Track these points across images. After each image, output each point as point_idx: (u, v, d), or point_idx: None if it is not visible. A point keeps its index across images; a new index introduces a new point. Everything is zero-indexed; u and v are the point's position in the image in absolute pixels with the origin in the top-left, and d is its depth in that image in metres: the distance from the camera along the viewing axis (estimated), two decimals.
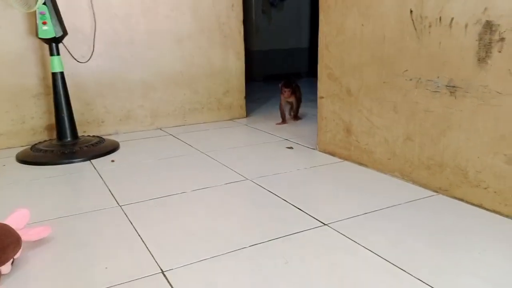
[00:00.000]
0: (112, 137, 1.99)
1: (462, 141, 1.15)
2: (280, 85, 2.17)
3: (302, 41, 4.00)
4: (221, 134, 2.05)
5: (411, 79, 1.26)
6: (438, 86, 1.19)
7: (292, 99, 2.23)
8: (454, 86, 1.15)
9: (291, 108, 2.30)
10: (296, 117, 2.30)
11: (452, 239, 0.97)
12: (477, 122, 1.11)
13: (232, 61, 2.32)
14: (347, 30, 1.46)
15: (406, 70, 1.27)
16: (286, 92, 2.16)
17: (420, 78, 1.24)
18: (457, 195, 1.19)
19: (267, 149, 1.77)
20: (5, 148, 1.86)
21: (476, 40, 1.08)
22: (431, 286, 0.79)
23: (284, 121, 2.24)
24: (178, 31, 2.13)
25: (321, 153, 1.68)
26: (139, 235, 1.03)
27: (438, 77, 1.19)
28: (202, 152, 1.73)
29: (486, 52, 1.06)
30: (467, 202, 1.17)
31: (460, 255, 0.90)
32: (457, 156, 1.17)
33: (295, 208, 1.17)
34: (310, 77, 4.14)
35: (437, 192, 1.24)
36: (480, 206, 1.14)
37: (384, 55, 1.34)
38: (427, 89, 1.22)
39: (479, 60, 1.08)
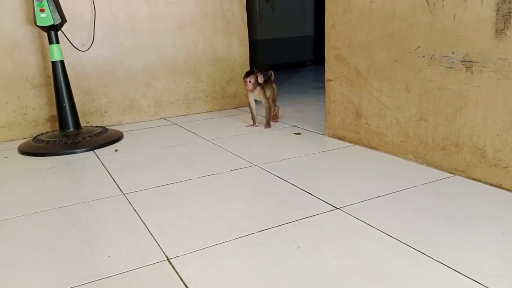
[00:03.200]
0: (116, 128, 1.95)
1: (480, 118, 1.09)
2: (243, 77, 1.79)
3: (307, 29, 3.93)
4: (226, 122, 2.00)
5: (423, 56, 1.21)
6: (453, 62, 1.14)
7: (259, 95, 1.78)
8: (470, 61, 1.09)
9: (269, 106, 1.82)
10: (268, 124, 1.82)
11: (471, 221, 0.92)
12: (495, 98, 1.05)
13: (235, 48, 2.27)
14: (355, 8, 1.40)
15: (419, 47, 1.21)
16: (247, 83, 1.75)
17: (433, 55, 1.18)
18: (474, 176, 1.14)
19: (273, 135, 1.72)
20: (8, 141, 1.83)
21: (494, 11, 1.02)
22: (455, 270, 0.74)
23: (254, 122, 1.85)
24: (180, 17, 2.08)
25: (330, 138, 1.63)
26: (143, 222, 0.99)
27: (453, 52, 1.13)
28: (207, 140, 1.69)
29: (505, 23, 1.00)
30: (485, 182, 1.11)
31: (482, 237, 0.85)
32: (474, 135, 1.12)
33: (305, 192, 1.12)
34: (316, 65, 4.08)
35: (453, 173, 1.19)
36: (499, 186, 1.08)
37: (395, 32, 1.28)
38: (441, 66, 1.17)
39: (496, 32, 1.03)
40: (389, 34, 1.30)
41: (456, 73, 1.13)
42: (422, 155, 1.27)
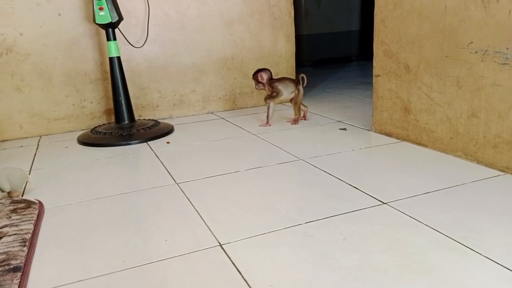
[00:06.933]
0: (166, 121, 2.03)
1: None
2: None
3: (353, 23, 3.89)
4: None
5: (476, 52, 1.19)
6: (507, 58, 1.11)
7: (269, 91, 1.83)
8: None
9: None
10: (267, 122, 1.87)
11: None
12: None
13: (281, 44, 2.29)
14: (405, 2, 1.39)
15: (471, 42, 1.19)
16: (255, 83, 1.85)
17: (486, 50, 1.16)
18: None
19: (319, 130, 1.74)
20: (67, 132, 1.96)
21: None
22: (505, 267, 0.74)
23: (267, 121, 1.87)
24: (228, 14, 2.13)
25: (376, 134, 1.63)
26: (196, 210, 1.04)
27: (507, 48, 1.11)
28: (253, 134, 1.73)
29: None
30: None
31: None
32: None
33: (351, 187, 1.14)
34: (361, 60, 4.03)
35: (504, 171, 1.17)
36: None
37: (446, 27, 1.26)
38: (494, 62, 1.14)
39: None
40: (440, 29, 1.29)
41: (510, 69, 1.11)
42: (473, 153, 1.25)
